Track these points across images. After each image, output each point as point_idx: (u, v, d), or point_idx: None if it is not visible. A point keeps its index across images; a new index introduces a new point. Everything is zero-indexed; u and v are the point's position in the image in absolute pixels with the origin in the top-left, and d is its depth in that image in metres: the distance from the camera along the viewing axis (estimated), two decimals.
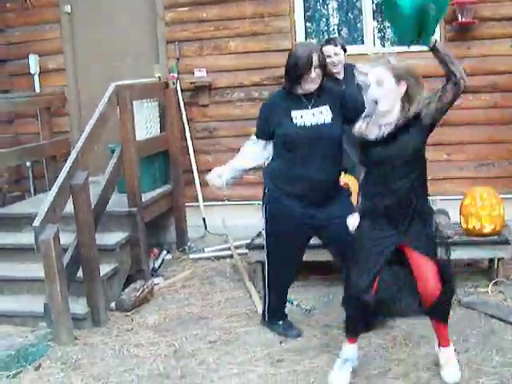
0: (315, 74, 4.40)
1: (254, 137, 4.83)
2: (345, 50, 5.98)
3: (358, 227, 3.92)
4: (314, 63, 4.36)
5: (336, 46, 5.85)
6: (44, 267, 4.91)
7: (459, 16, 6.87)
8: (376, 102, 3.65)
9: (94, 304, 5.35)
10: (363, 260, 3.79)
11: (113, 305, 5.74)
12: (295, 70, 4.39)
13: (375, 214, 3.83)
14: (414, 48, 7.01)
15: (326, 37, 7.18)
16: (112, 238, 5.99)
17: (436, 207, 6.05)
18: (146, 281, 6.08)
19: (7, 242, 6.21)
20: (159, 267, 6.84)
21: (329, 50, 5.80)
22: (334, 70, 5.86)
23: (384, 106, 3.65)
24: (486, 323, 4.98)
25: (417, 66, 6.83)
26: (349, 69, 5.93)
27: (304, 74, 4.38)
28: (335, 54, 5.86)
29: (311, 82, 4.44)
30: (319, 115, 4.51)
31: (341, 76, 5.97)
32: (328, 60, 5.44)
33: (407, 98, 3.68)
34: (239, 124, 7.45)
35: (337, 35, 7.39)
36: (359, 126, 3.88)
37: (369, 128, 3.84)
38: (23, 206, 7.14)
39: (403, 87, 3.66)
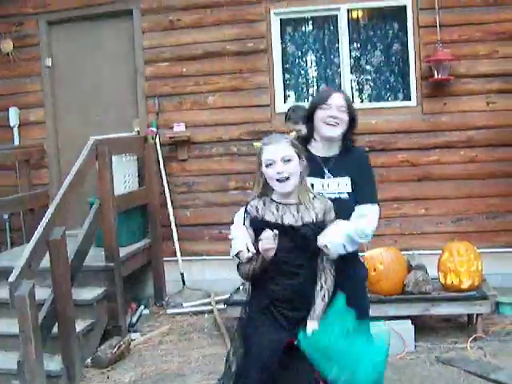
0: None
1: None
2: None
3: None
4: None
5: (296, 123, 5.59)
6: (18, 324, 4.81)
7: (435, 73, 7.01)
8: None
9: (70, 361, 5.24)
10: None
11: (88, 361, 5.64)
12: None
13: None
14: (390, 104, 7.24)
15: (304, 92, 7.30)
16: (89, 293, 5.93)
17: (414, 262, 6.10)
18: (122, 337, 6.00)
19: None
20: (136, 322, 6.74)
21: (291, 127, 5.77)
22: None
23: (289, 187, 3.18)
24: (465, 380, 4.93)
25: (392, 122, 7.12)
26: None
27: None
28: (297, 131, 5.85)
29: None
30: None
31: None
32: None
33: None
34: (218, 179, 7.51)
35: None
36: None
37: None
38: None
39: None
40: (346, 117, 3.37)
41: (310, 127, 3.49)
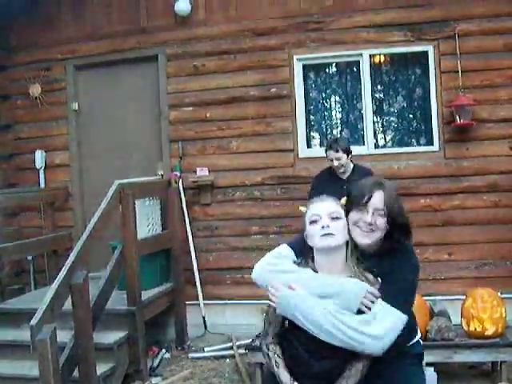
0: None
1: None
2: (347, 152, 6.23)
3: None
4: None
5: (337, 151, 6.16)
6: (39, 367, 4.82)
7: (457, 118, 7.03)
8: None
9: None
10: None
11: None
12: None
13: None
14: (412, 149, 7.24)
15: (329, 138, 7.35)
16: (110, 336, 5.93)
17: (437, 308, 6.05)
18: (143, 381, 6.01)
19: (5, 338, 6.16)
20: (157, 366, 6.72)
21: (330, 155, 6.23)
22: (340, 171, 6.25)
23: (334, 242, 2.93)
24: None
25: (414, 167, 7.12)
26: (356, 171, 6.26)
27: None
28: (336, 158, 6.20)
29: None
30: None
31: (345, 176, 6.28)
32: (331, 163, 6.18)
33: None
34: (241, 223, 7.55)
35: (339, 135, 7.52)
36: None
37: None
38: (23, 301, 7.09)
39: None
40: (383, 223, 2.91)
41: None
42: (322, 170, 6.61)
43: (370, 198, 2.90)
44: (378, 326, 2.77)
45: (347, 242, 2.92)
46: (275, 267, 2.95)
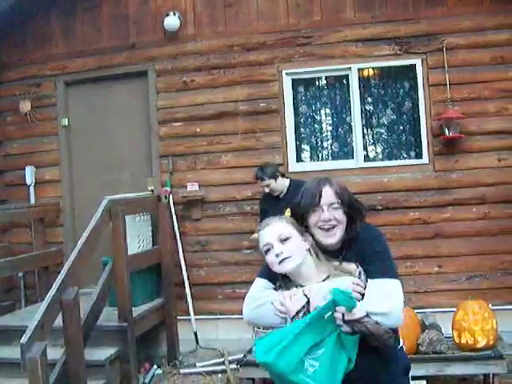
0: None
1: None
2: (274, 177, 6.73)
3: None
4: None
5: (263, 180, 6.74)
6: None
7: (446, 131, 7.08)
8: None
9: None
10: None
11: None
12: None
13: None
14: (402, 162, 7.28)
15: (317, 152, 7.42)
16: (101, 353, 5.91)
17: (428, 321, 6.06)
18: None
19: None
20: (149, 382, 6.71)
21: (260, 184, 6.83)
22: (275, 194, 6.78)
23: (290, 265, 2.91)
24: None
25: (404, 180, 7.16)
26: (292, 186, 6.71)
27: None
28: (266, 186, 6.74)
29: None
30: None
31: (282, 195, 6.77)
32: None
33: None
34: (231, 238, 7.54)
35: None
36: None
37: None
38: (13, 318, 7.08)
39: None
40: (341, 215, 2.91)
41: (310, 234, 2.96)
42: (264, 192, 6.92)
43: (320, 196, 2.89)
44: (384, 302, 2.76)
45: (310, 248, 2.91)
46: (262, 300, 2.92)
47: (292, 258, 2.83)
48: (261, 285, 3.00)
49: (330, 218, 2.87)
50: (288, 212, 3.01)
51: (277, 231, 2.87)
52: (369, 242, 2.95)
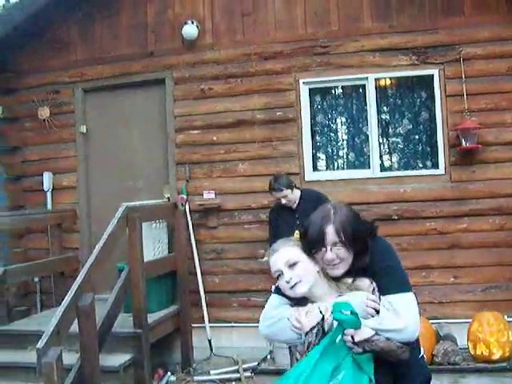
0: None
1: None
2: (291, 187, 6.62)
3: None
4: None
5: (281, 190, 6.57)
6: None
7: (463, 141, 7.06)
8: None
9: None
10: None
11: None
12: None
13: None
14: (418, 172, 7.26)
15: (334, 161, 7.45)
16: (116, 359, 5.93)
17: (443, 332, 6.04)
18: None
19: (12, 359, 6.16)
20: None
21: (276, 195, 6.67)
22: (289, 205, 6.63)
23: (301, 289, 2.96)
24: None
25: (420, 190, 7.13)
26: (304, 197, 6.64)
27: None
28: (283, 197, 6.59)
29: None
30: None
31: (295, 206, 6.65)
32: (280, 201, 6.60)
33: None
34: (247, 246, 7.56)
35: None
36: None
37: None
38: (29, 322, 7.11)
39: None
40: (344, 253, 2.88)
41: None
42: (275, 204, 6.90)
43: (323, 237, 2.87)
44: (398, 319, 2.78)
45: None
46: (279, 316, 2.95)
47: (302, 282, 2.88)
48: (276, 301, 3.02)
49: (332, 258, 2.87)
50: (297, 234, 3.03)
51: (285, 257, 2.91)
52: (379, 255, 2.97)
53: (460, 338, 6.00)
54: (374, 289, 2.88)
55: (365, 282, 2.91)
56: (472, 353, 5.77)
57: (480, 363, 5.72)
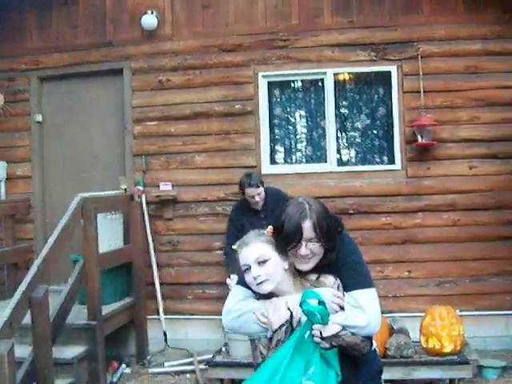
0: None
1: None
2: (263, 184, 6.59)
3: None
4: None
5: (257, 186, 6.48)
6: None
7: (419, 137, 7.14)
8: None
9: None
10: None
11: None
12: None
13: None
14: (375, 167, 7.33)
15: (291, 154, 7.48)
16: (70, 351, 5.87)
17: (397, 325, 6.11)
18: None
19: None
20: (117, 381, 6.67)
21: (251, 192, 6.49)
22: (259, 204, 6.55)
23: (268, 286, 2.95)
24: None
25: (376, 185, 7.20)
26: (268, 195, 6.59)
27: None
28: (258, 194, 6.51)
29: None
30: None
31: (260, 205, 6.59)
32: (252, 200, 6.43)
33: None
34: (203, 238, 7.54)
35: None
36: None
37: None
38: None
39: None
40: (318, 248, 2.88)
41: None
42: (240, 202, 6.86)
43: (301, 233, 2.85)
44: (361, 315, 2.83)
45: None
46: (243, 310, 2.94)
47: (270, 280, 2.88)
48: (241, 294, 3.01)
49: (306, 253, 2.87)
50: (270, 229, 2.99)
51: (256, 253, 2.90)
52: (344, 250, 2.99)
53: (413, 332, 6.06)
54: (338, 285, 2.92)
55: (329, 279, 2.94)
56: (424, 346, 5.83)
57: (432, 356, 5.79)
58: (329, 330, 2.75)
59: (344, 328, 2.78)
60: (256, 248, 2.91)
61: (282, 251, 2.90)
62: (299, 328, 2.79)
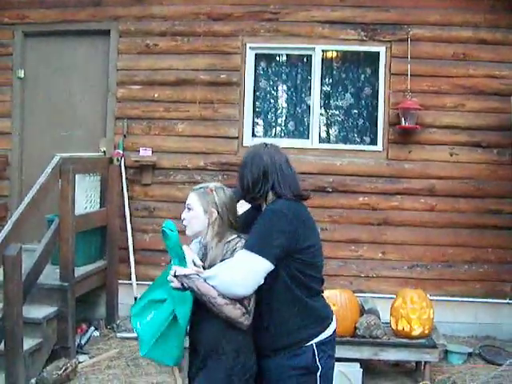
0: None
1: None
2: None
3: None
4: None
5: None
6: None
7: (403, 120, 7.15)
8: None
9: (14, 380, 5.13)
10: None
11: (33, 381, 5.53)
12: None
13: None
14: (356, 147, 7.33)
15: (272, 128, 7.49)
16: (40, 311, 5.84)
17: (368, 306, 6.16)
18: (70, 358, 5.92)
19: None
20: (85, 344, 6.66)
21: None
22: None
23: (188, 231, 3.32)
24: None
25: (356, 165, 7.21)
26: None
27: None
28: None
29: None
30: None
31: None
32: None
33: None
34: (179, 206, 7.36)
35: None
36: None
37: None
38: None
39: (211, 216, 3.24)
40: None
41: None
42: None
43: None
44: (217, 268, 3.05)
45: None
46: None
47: (188, 226, 3.28)
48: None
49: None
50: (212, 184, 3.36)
51: (188, 199, 3.30)
52: (260, 217, 3.14)
53: (383, 313, 6.12)
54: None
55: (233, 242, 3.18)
56: (394, 328, 5.89)
57: (400, 338, 5.85)
58: (181, 270, 3.02)
59: (198, 274, 3.02)
60: (191, 195, 3.30)
61: (208, 208, 3.21)
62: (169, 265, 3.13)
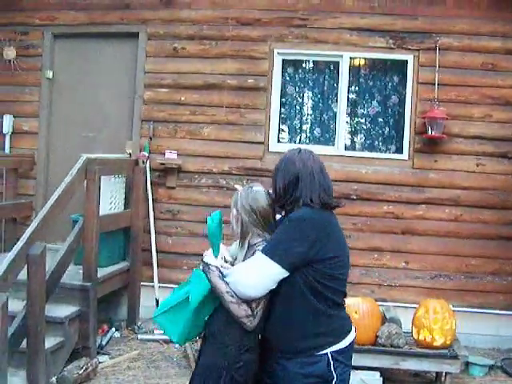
0: None
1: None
2: None
3: None
4: None
5: None
6: None
7: (429, 129, 7.11)
8: None
9: (34, 378, 5.17)
10: None
11: (54, 380, 5.57)
12: None
13: None
14: (382, 155, 7.31)
15: (298, 134, 7.48)
16: (62, 310, 5.88)
17: (389, 314, 6.13)
18: (91, 358, 5.95)
19: None
20: (106, 344, 6.69)
21: None
22: None
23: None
24: None
25: (381, 173, 7.17)
26: None
27: None
28: None
29: None
30: None
31: None
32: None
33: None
34: (203, 210, 7.46)
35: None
36: None
37: None
38: None
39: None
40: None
41: None
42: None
43: None
44: (234, 268, 3.14)
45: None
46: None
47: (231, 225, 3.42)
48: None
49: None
50: (239, 187, 3.50)
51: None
52: (282, 222, 3.20)
53: (405, 322, 6.08)
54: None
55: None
56: (415, 337, 5.85)
57: (422, 348, 5.81)
58: (206, 257, 3.19)
59: (217, 268, 3.14)
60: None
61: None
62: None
